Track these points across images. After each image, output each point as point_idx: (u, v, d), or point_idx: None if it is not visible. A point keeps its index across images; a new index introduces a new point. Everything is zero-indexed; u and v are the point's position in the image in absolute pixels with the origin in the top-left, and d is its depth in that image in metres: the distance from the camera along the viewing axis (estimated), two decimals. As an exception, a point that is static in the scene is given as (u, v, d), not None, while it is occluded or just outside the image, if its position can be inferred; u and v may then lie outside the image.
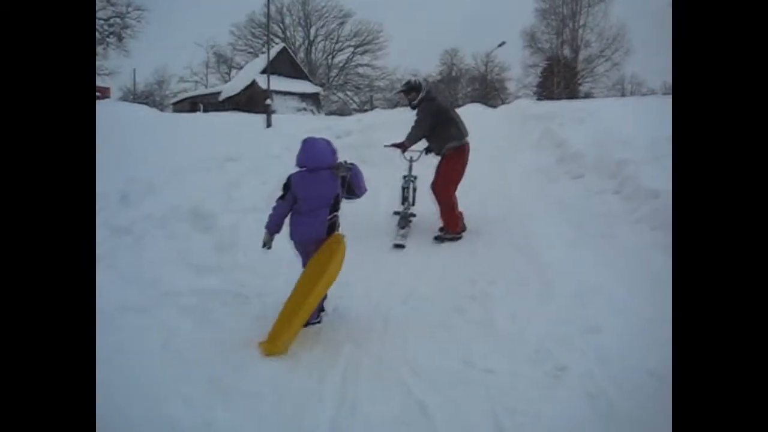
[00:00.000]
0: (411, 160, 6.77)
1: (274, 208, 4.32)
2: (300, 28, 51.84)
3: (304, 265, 4.25)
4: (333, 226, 4.25)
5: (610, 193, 6.78)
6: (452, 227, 6.18)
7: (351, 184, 4.28)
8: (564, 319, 3.98)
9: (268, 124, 14.52)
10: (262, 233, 4.43)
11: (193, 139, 12.10)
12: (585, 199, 6.85)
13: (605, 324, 3.85)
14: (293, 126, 14.44)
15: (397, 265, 5.46)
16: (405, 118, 12.91)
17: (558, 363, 3.43)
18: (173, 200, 6.48)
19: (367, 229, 6.37)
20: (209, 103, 39.50)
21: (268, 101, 15.32)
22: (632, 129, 8.56)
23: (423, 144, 6.62)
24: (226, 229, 5.80)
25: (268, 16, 16.88)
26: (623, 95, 39.15)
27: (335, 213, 4.28)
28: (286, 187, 4.31)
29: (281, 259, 5.24)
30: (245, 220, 6.05)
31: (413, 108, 6.44)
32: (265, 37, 49.15)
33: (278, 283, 4.72)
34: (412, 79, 6.59)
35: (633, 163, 6.88)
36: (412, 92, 6.40)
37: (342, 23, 51.00)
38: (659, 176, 6.15)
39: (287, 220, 4.30)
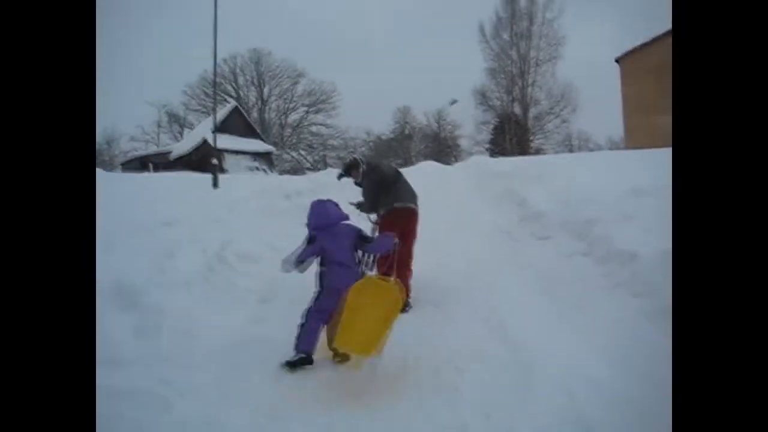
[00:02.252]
0: (375, 223, 6.40)
1: (294, 257, 4.71)
2: (253, 88, 51.64)
3: (321, 312, 4.51)
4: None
5: (580, 255, 6.25)
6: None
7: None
8: (550, 419, 3.30)
9: (215, 185, 13.74)
10: (194, 312, 4.93)
11: (128, 200, 11.23)
12: (554, 263, 6.29)
13: (600, 421, 3.19)
14: (242, 186, 13.73)
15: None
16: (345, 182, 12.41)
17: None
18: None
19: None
20: (160, 162, 38.49)
21: (214, 161, 14.59)
22: (593, 185, 8.16)
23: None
24: (151, 308, 4.97)
25: (214, 71, 16.25)
26: (571, 151, 39.91)
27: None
28: (310, 242, 4.74)
29: (212, 345, 4.51)
30: (175, 298, 5.27)
31: (358, 185, 6.42)
32: (219, 97, 48.97)
33: (205, 379, 3.95)
34: (348, 158, 6.74)
35: (602, 223, 6.39)
36: (352, 170, 6.40)
37: (295, 83, 51.09)
38: (633, 237, 5.65)
39: (307, 269, 4.82)
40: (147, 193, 12.63)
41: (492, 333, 4.66)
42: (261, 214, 9.50)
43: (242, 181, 16.30)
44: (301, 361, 4.24)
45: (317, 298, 4.63)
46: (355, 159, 6.48)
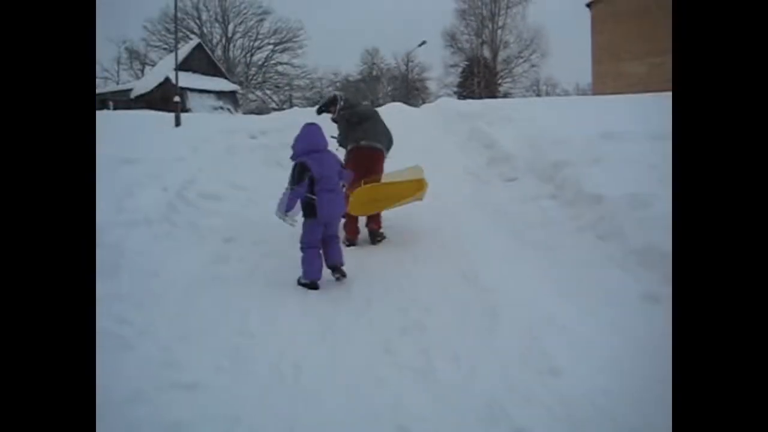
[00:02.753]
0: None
1: (292, 192, 4.58)
2: (217, 25, 49.76)
3: (313, 240, 4.64)
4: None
5: (546, 198, 6.23)
6: (346, 230, 5.81)
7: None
8: (517, 361, 3.28)
9: (177, 123, 13.30)
10: (155, 251, 4.92)
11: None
12: (521, 205, 6.27)
13: (566, 364, 3.20)
14: (204, 125, 13.31)
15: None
16: (324, 117, 12.14)
17: (516, 425, 2.73)
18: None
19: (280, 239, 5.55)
20: (120, 100, 37.19)
21: (177, 99, 14.07)
22: (562, 128, 8.10)
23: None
24: (110, 247, 4.80)
25: (175, 5, 15.55)
26: (539, 96, 39.89)
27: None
28: (301, 172, 4.57)
29: (169, 283, 4.40)
30: (134, 235, 5.11)
31: (335, 121, 6.55)
32: (181, 33, 47.17)
33: (163, 319, 3.86)
34: (330, 94, 6.96)
35: (570, 165, 6.36)
36: (330, 106, 6.58)
37: (261, 20, 49.25)
38: (601, 180, 5.64)
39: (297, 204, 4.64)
40: (106, 131, 12.17)
41: (459, 275, 4.61)
42: (224, 153, 9.24)
43: (205, 120, 15.86)
44: (308, 285, 4.57)
45: (309, 229, 4.68)
46: (334, 95, 6.64)
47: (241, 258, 5.17)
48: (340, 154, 5.79)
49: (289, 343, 3.65)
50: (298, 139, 4.81)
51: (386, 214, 5.96)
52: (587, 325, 3.62)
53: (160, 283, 4.42)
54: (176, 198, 6.33)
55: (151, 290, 4.26)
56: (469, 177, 7.88)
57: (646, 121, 7.25)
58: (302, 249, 4.66)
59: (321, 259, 4.69)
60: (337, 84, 47.79)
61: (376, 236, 5.88)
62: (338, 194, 4.75)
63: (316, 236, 4.65)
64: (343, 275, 4.73)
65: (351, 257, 5.04)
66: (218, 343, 3.60)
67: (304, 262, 4.61)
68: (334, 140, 6.28)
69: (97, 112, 23.86)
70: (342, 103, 6.43)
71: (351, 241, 5.81)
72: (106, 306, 3.98)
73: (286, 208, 4.59)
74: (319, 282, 4.61)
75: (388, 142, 6.24)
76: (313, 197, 4.59)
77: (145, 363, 3.34)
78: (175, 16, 15.93)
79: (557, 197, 6.07)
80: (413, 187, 5.75)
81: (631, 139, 6.71)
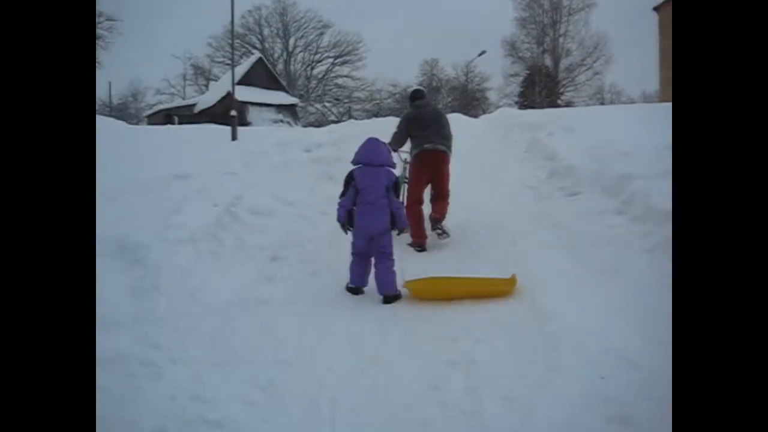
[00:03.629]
0: (405, 162, 6.59)
1: (340, 204, 4.77)
2: (278, 39, 50.76)
3: (358, 248, 4.68)
4: (393, 220, 4.68)
5: (613, 213, 5.78)
6: (413, 234, 5.78)
7: (395, 214, 4.72)
8: (580, 404, 2.90)
9: (234, 137, 13.41)
10: (198, 270, 4.87)
11: (145, 154, 10.96)
12: (585, 222, 5.83)
13: (639, 411, 2.79)
14: (260, 139, 13.35)
15: (359, 308, 4.40)
16: (382, 128, 11.92)
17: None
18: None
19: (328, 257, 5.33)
20: (184, 115, 38.23)
21: (233, 113, 14.20)
22: (629, 138, 7.59)
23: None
24: (151, 266, 4.68)
25: (232, 22, 15.74)
26: (603, 104, 38.68)
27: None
28: (347, 182, 4.75)
29: (209, 305, 4.22)
30: (178, 254, 4.99)
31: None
32: (243, 48, 48.32)
33: (198, 344, 3.66)
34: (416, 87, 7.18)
35: (639, 179, 5.89)
36: (415, 100, 6.54)
37: (321, 34, 50.04)
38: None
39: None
40: (164, 145, 12.37)
41: (515, 299, 4.26)
42: (278, 168, 9.13)
43: (262, 133, 15.92)
44: (352, 290, 4.70)
45: (354, 238, 4.76)
46: (420, 90, 6.81)
47: (286, 278, 4.98)
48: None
49: (327, 375, 3.38)
50: (358, 150, 4.91)
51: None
52: (662, 361, 3.20)
53: (199, 305, 4.26)
54: (225, 214, 6.20)
55: (189, 313, 4.10)
56: (529, 191, 7.48)
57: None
58: (351, 254, 4.75)
59: (366, 267, 4.73)
60: (396, 96, 47.75)
61: (436, 226, 5.93)
62: (378, 209, 4.63)
63: (359, 246, 4.67)
64: (391, 301, 4.55)
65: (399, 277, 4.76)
66: (252, 373, 3.38)
67: (350, 267, 4.74)
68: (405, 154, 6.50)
69: (159, 127, 24.57)
70: (419, 101, 6.45)
71: (419, 246, 5.83)
72: (140, 329, 3.86)
73: (337, 218, 4.78)
74: (364, 289, 4.70)
75: (448, 142, 6.24)
76: (355, 207, 4.71)
77: (172, 394, 3.14)
78: (232, 31, 16.01)
79: (625, 213, 5.61)
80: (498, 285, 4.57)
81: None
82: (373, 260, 4.70)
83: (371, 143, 4.86)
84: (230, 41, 46.87)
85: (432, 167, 6.04)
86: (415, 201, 6.04)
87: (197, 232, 5.64)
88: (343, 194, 4.78)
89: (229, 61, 47.23)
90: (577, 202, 6.43)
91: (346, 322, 4.15)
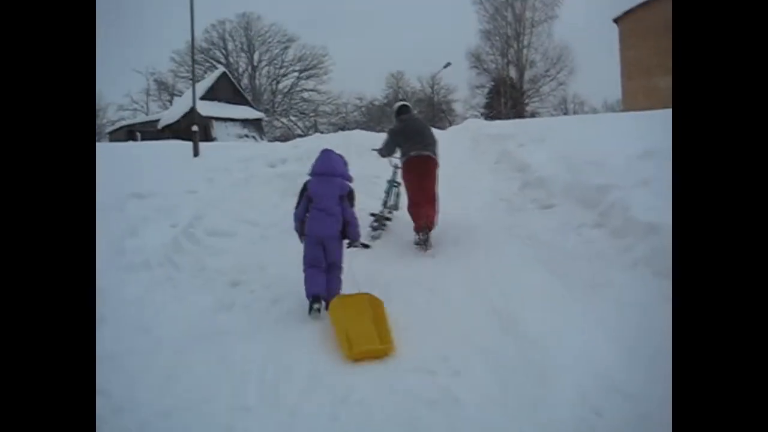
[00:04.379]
0: (396, 167, 7.07)
1: (296, 214, 4.78)
2: (243, 54, 50.24)
3: (311, 259, 4.58)
4: (343, 230, 4.71)
5: (590, 226, 5.56)
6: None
7: (349, 223, 4.74)
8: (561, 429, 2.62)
9: (196, 154, 12.94)
10: (151, 299, 4.59)
11: (102, 172, 10.45)
12: (562, 235, 5.59)
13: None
14: (223, 154, 12.94)
15: (327, 337, 4.04)
16: (348, 142, 11.62)
17: None
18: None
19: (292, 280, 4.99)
20: (147, 131, 37.45)
21: (194, 128, 13.72)
22: (600, 148, 7.44)
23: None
24: (99, 297, 4.27)
25: (192, 35, 15.27)
26: (566, 114, 39.08)
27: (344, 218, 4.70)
28: (301, 192, 4.79)
29: (161, 339, 3.86)
30: (131, 282, 4.61)
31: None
32: (208, 63, 47.71)
33: (147, 387, 3.29)
34: (400, 102, 7.43)
35: (616, 189, 5.69)
36: (400, 114, 6.99)
37: (286, 48, 49.60)
38: (653, 205, 4.97)
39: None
40: (123, 163, 11.85)
41: (496, 322, 3.94)
42: (241, 185, 8.77)
43: (226, 149, 15.51)
44: (312, 304, 4.41)
45: (306, 248, 4.68)
46: (406, 105, 7.21)
47: (248, 305, 4.61)
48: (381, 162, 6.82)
49: (292, 421, 3.01)
50: (313, 163, 4.97)
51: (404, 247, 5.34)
52: (644, 383, 2.94)
53: (150, 340, 3.88)
54: (182, 236, 5.84)
55: (139, 349, 3.72)
56: (501, 204, 7.24)
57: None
58: (303, 270, 4.62)
59: (320, 276, 4.58)
60: (363, 109, 47.65)
61: (423, 234, 6.05)
62: (330, 215, 4.64)
63: (310, 255, 4.60)
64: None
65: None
66: (207, 421, 3.00)
67: (305, 282, 4.55)
68: (376, 153, 7.03)
69: (119, 144, 23.86)
70: (405, 116, 6.90)
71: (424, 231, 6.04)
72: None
73: (295, 227, 4.78)
74: (315, 300, 4.42)
75: (433, 148, 6.66)
76: (307, 214, 4.72)
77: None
78: (192, 45, 15.53)
79: (603, 226, 5.40)
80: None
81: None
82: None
83: (325, 155, 4.93)
84: (193, 55, 46.68)
85: (418, 170, 6.41)
86: (413, 203, 6.38)
87: (153, 257, 5.27)
88: (297, 205, 4.81)
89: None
90: (553, 215, 6.20)
91: (313, 353, 3.77)
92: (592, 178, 6.22)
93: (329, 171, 4.82)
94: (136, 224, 6.22)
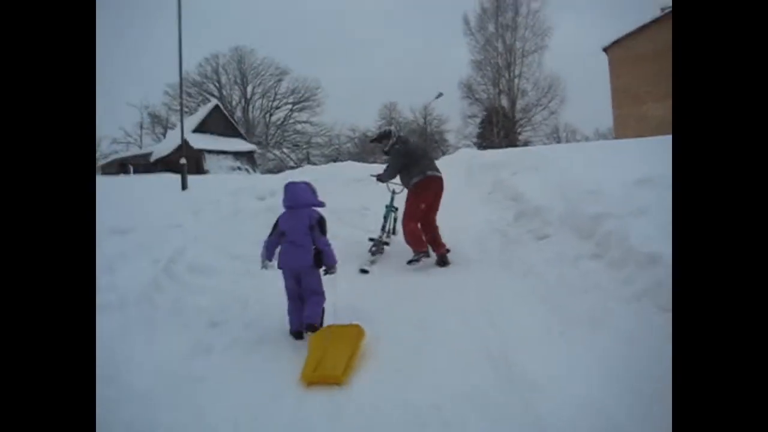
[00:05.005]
0: (393, 192, 7.28)
1: (265, 242, 4.85)
2: (236, 87, 50.58)
3: (288, 292, 4.70)
4: (318, 258, 4.68)
5: (587, 258, 5.32)
6: (417, 247, 6.46)
7: (323, 252, 4.71)
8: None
9: (184, 186, 12.77)
10: (124, 343, 4.32)
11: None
12: (558, 268, 5.36)
13: None
14: (212, 187, 12.76)
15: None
16: (340, 173, 11.43)
17: None
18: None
19: (276, 319, 4.72)
20: (140, 164, 37.38)
21: (183, 161, 13.58)
22: (595, 176, 7.25)
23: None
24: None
25: (180, 70, 15.17)
26: (559, 143, 39.19)
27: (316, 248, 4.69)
28: (274, 225, 4.86)
29: (129, 390, 3.57)
30: (102, 323, 4.30)
31: (386, 153, 7.08)
32: (201, 96, 47.91)
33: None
34: (384, 128, 7.27)
35: (612, 218, 5.48)
36: (383, 139, 7.03)
37: (279, 80, 50.09)
38: (653, 235, 4.75)
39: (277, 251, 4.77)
40: (109, 197, 11.61)
41: (488, 363, 3.67)
42: (228, 218, 8.53)
43: (215, 181, 15.35)
44: (294, 335, 4.56)
45: (284, 281, 4.75)
46: (388, 130, 7.10)
47: (228, 347, 4.31)
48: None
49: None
50: (283, 196, 4.95)
51: (396, 286, 5.14)
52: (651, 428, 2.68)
53: (118, 389, 3.57)
54: (162, 273, 5.56)
55: (104, 400, 3.40)
56: (495, 234, 7.02)
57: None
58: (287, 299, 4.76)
59: (296, 315, 4.63)
60: (356, 141, 47.73)
61: (444, 259, 6.43)
62: (298, 247, 4.66)
63: (289, 287, 4.70)
64: (310, 330, 4.49)
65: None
66: None
67: (287, 311, 4.70)
68: (375, 179, 7.06)
69: (108, 177, 23.68)
70: (395, 138, 6.92)
71: (424, 254, 6.43)
72: None
73: (261, 253, 4.82)
74: (298, 336, 4.54)
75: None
76: (280, 248, 4.77)
77: None
78: (180, 77, 15.43)
79: (601, 257, 5.17)
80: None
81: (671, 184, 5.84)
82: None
83: (290, 188, 4.92)
84: (187, 89, 46.89)
85: (435, 191, 6.67)
86: (414, 220, 6.53)
87: (128, 295, 5.01)
88: (269, 235, 4.86)
89: (186, 109, 47.06)
90: (548, 246, 5.98)
91: (295, 404, 3.47)
92: (588, 207, 6.00)
93: (294, 203, 4.83)
94: (114, 261, 5.96)
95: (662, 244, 4.47)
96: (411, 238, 6.48)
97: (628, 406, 2.98)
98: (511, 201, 7.92)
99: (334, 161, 30.43)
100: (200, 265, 5.98)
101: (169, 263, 5.75)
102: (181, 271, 5.72)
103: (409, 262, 6.42)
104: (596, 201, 6.09)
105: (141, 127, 50.05)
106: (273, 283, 5.43)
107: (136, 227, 7.50)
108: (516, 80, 44.51)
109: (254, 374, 3.86)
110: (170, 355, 4.10)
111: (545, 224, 6.49)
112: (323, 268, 4.76)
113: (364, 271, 6.34)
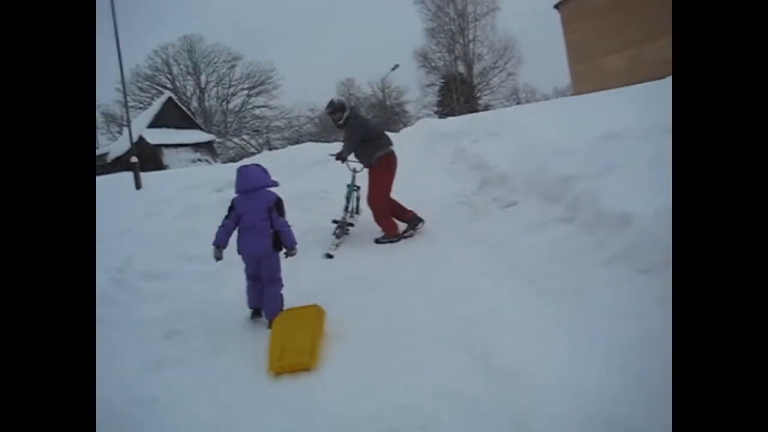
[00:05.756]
0: (354, 171, 6.96)
1: (220, 227, 4.61)
2: (189, 77, 49.29)
3: (249, 274, 4.64)
4: (277, 241, 4.55)
5: (557, 222, 5.11)
6: (389, 231, 6.34)
7: (281, 233, 4.56)
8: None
9: (138, 186, 12.25)
10: None
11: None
12: (528, 236, 5.13)
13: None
14: (168, 184, 12.29)
15: (275, 398, 3.46)
16: (297, 157, 11.04)
17: None
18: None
19: (235, 323, 4.40)
20: (97, 165, 36.28)
21: (134, 159, 12.98)
22: (559, 135, 7.04)
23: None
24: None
25: (120, 65, 14.51)
26: (519, 104, 39.12)
27: (275, 230, 4.55)
28: (230, 209, 4.65)
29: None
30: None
31: (340, 127, 6.75)
32: (154, 90, 46.62)
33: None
34: (335, 99, 6.77)
35: (581, 179, 5.25)
36: (336, 112, 6.63)
37: (232, 67, 49.01)
38: (623, 193, 4.53)
39: (234, 238, 4.61)
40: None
41: (462, 355, 3.36)
42: (183, 216, 8.13)
43: (171, 177, 14.82)
44: (252, 315, 4.63)
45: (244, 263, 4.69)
46: (341, 102, 6.72)
47: (183, 360, 3.93)
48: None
49: None
50: (236, 181, 4.72)
51: (357, 266, 4.94)
52: (640, 395, 2.44)
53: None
54: (111, 284, 5.17)
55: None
56: (460, 206, 6.78)
57: (643, 114, 6.19)
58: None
59: (254, 293, 4.65)
60: (315, 120, 47.09)
61: (416, 219, 6.42)
62: (257, 233, 4.52)
63: (249, 269, 4.65)
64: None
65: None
66: None
67: (246, 290, 4.69)
68: (333, 158, 6.69)
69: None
70: (349, 111, 6.60)
71: (397, 237, 6.28)
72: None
73: (213, 241, 4.58)
74: (255, 312, 4.62)
75: None
76: (238, 234, 4.62)
77: None
78: (122, 78, 14.74)
79: (571, 221, 4.94)
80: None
81: (638, 137, 5.62)
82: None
83: (242, 171, 4.70)
84: (138, 84, 45.53)
85: (395, 167, 6.50)
86: (385, 198, 6.39)
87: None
88: (226, 218, 4.64)
89: (141, 105, 45.77)
90: (516, 214, 5.75)
91: (257, 423, 3.14)
92: (554, 169, 5.77)
93: (251, 186, 4.61)
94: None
95: (634, 203, 4.26)
96: (384, 220, 6.36)
97: (614, 381, 2.74)
98: (475, 170, 7.69)
99: (296, 143, 29.95)
100: (153, 271, 5.62)
101: (118, 273, 5.36)
102: (132, 280, 5.35)
103: (379, 241, 6.32)
104: (562, 162, 5.87)
105: (95, 128, 48.63)
106: (229, 283, 5.11)
107: (84, 235, 7.06)
108: (471, 45, 44.32)
109: (212, 390, 3.48)
110: (117, 374, 3.70)
111: (511, 191, 6.26)
112: (283, 251, 4.61)
113: (329, 256, 6.10)
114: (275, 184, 4.75)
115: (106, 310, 4.77)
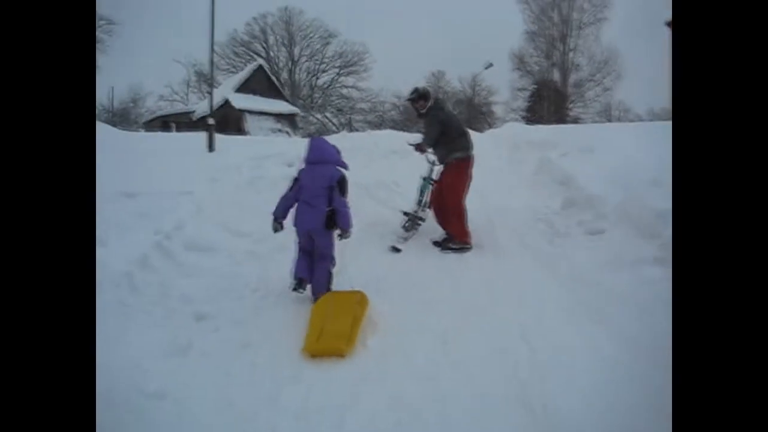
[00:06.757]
0: (433, 164, 6.39)
1: (282, 198, 4.62)
2: (284, 48, 49.86)
3: (302, 245, 4.54)
4: (332, 220, 4.45)
5: (650, 263, 4.46)
6: (461, 237, 5.81)
7: (338, 212, 4.46)
8: None
9: (211, 148, 12.13)
10: None
11: (105, 164, 9.64)
12: (613, 274, 4.48)
13: None
14: (240, 150, 12.09)
15: (293, 408, 3.02)
16: (376, 144, 10.61)
17: None
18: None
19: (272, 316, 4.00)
20: (182, 122, 37.18)
21: (211, 121, 12.85)
22: (657, 163, 6.27)
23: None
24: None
25: (212, 30, 14.42)
26: (610, 121, 37.38)
27: (332, 208, 4.46)
28: (294, 179, 4.64)
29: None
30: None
31: (421, 116, 6.40)
32: (248, 56, 47.48)
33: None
34: (420, 87, 6.44)
35: (682, 218, 4.56)
36: (420, 100, 6.24)
37: (327, 44, 49.16)
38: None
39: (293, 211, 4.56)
40: (130, 155, 11.02)
41: (519, 404, 2.85)
42: (246, 187, 7.84)
43: (245, 143, 14.67)
44: (295, 284, 4.42)
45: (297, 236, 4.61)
46: (426, 90, 6.39)
47: (207, 351, 3.54)
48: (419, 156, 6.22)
49: None
50: (306, 151, 4.74)
51: (414, 283, 4.55)
52: None
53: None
54: (154, 249, 4.88)
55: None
56: (539, 224, 6.16)
57: None
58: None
59: (308, 262, 4.55)
60: (400, 108, 46.76)
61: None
62: (312, 208, 4.46)
63: (302, 242, 4.56)
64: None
65: (361, 364, 3.45)
66: None
67: (294, 260, 4.59)
68: (412, 147, 6.24)
69: (139, 134, 23.42)
70: (432, 101, 6.23)
71: (467, 245, 5.73)
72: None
73: (273, 210, 4.59)
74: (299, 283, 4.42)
75: None
76: (296, 206, 4.57)
77: None
78: (212, 43, 14.66)
79: (666, 263, 4.26)
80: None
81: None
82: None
83: (314, 142, 4.77)
84: (234, 48, 46.47)
85: (470, 174, 6.05)
86: (463, 201, 5.96)
87: (109, 275, 4.32)
88: (289, 189, 4.66)
89: (234, 69, 46.71)
90: (602, 244, 5.10)
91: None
92: (652, 201, 5.10)
93: (321, 158, 4.62)
94: (108, 231, 5.30)
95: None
96: (457, 223, 5.83)
97: None
98: (560, 185, 7.03)
99: (378, 128, 29.64)
100: (200, 241, 5.30)
101: (164, 238, 5.07)
102: (177, 248, 5.05)
103: (445, 248, 5.80)
104: (661, 195, 5.17)
105: (187, 85, 49.93)
106: (276, 269, 4.74)
107: (143, 192, 6.83)
108: (570, 53, 42.66)
109: (234, 393, 3.09)
110: (135, 356, 3.37)
111: (599, 217, 5.61)
112: (337, 231, 4.53)
113: (396, 250, 5.76)
114: (344, 165, 4.68)
115: (141, 278, 4.50)
